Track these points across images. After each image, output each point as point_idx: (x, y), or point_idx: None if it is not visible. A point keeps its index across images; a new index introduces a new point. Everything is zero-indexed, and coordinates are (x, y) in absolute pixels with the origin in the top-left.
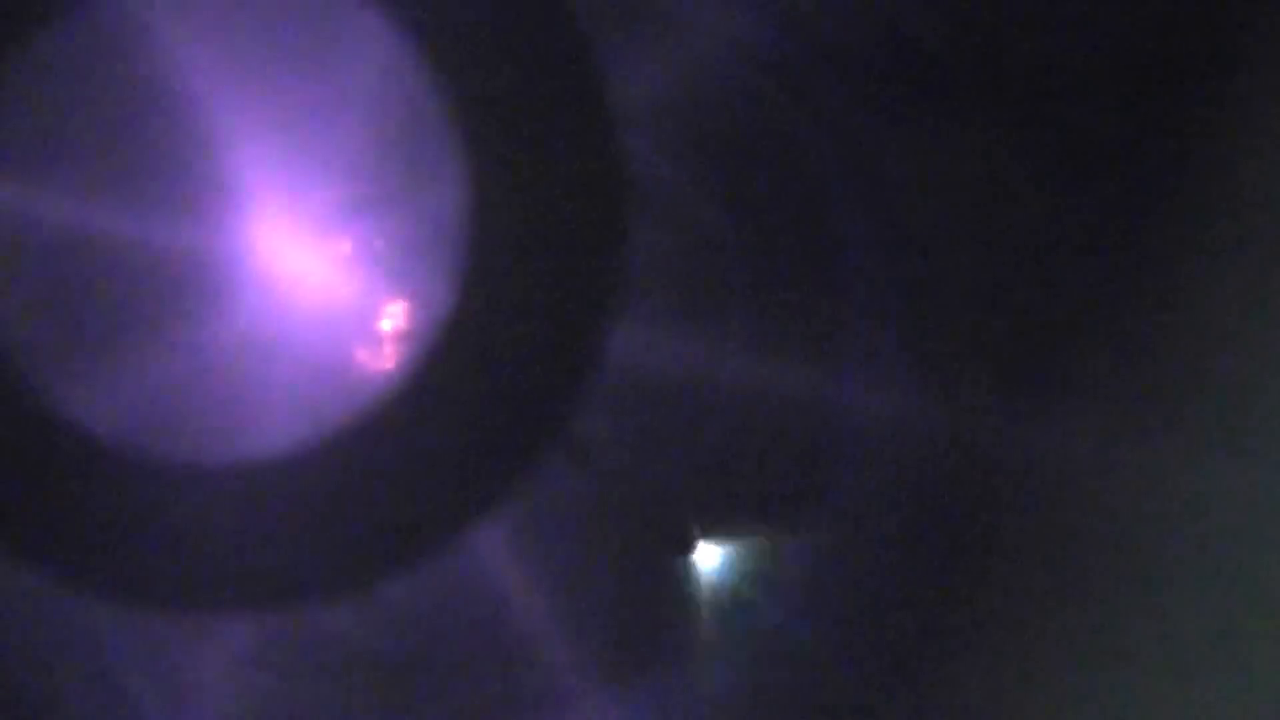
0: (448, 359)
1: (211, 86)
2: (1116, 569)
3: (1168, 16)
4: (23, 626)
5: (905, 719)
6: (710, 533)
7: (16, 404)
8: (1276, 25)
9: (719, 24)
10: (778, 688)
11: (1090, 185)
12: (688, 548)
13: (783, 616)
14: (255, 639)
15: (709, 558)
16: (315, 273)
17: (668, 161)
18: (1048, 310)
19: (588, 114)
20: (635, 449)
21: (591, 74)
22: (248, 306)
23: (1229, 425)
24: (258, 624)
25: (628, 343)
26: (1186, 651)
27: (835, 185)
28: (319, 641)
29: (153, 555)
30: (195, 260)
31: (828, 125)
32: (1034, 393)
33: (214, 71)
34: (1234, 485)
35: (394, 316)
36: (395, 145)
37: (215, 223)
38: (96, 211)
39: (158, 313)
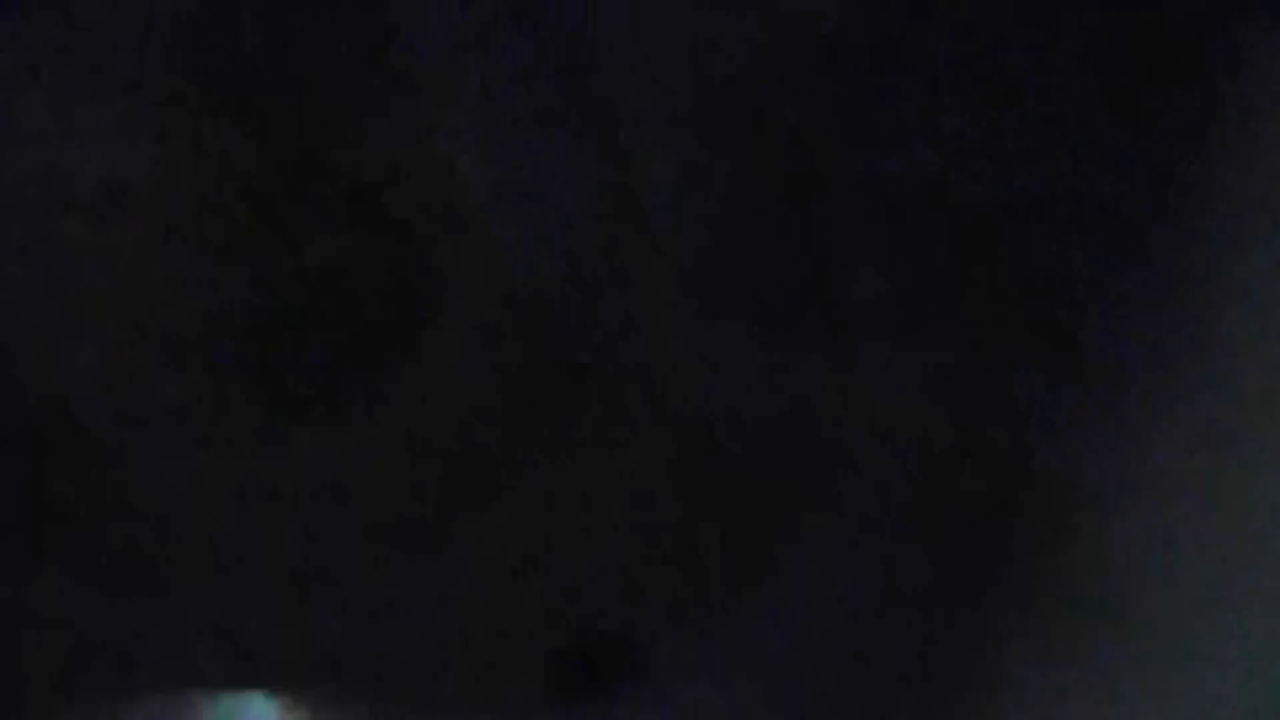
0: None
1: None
2: (1117, 567)
3: (1169, 15)
4: (22, 624)
5: (911, 714)
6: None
7: (16, 400)
8: (1276, 25)
9: (719, 22)
10: (782, 683)
11: (1092, 184)
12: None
13: (784, 615)
14: (254, 632)
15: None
16: None
17: (668, 158)
18: (1051, 308)
19: (588, 111)
20: (635, 445)
21: (593, 72)
22: None
23: (1229, 424)
24: (257, 617)
25: (627, 338)
26: (1187, 650)
27: (836, 183)
28: (320, 637)
29: (154, 550)
30: None
31: (829, 122)
32: (1038, 389)
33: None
34: (1240, 484)
35: None
36: None
37: None
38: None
39: None
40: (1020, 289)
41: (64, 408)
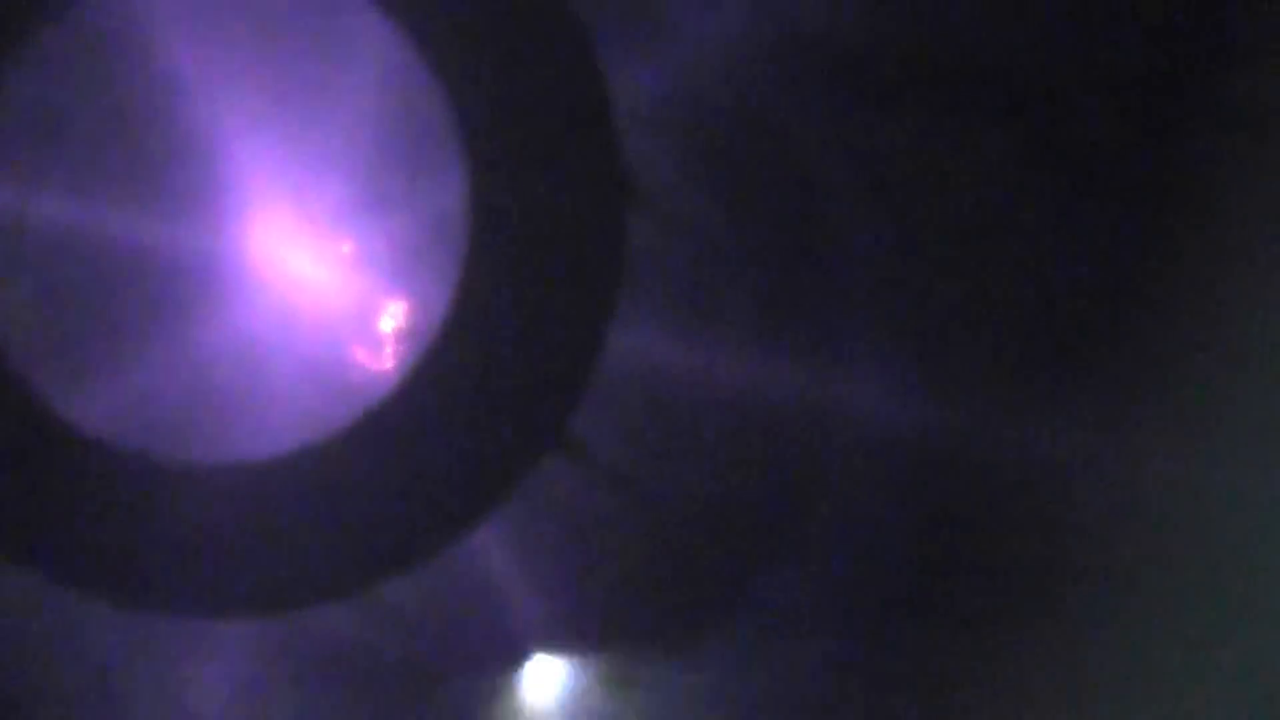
0: (447, 359)
1: (213, 89)
2: (1115, 567)
3: (1168, 17)
4: (23, 627)
5: (906, 717)
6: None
7: (17, 404)
8: (1277, 25)
9: (719, 24)
10: (780, 686)
11: (1092, 186)
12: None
13: (783, 613)
14: (255, 638)
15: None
16: (316, 273)
17: (667, 161)
18: (1048, 310)
19: (588, 114)
20: (634, 448)
21: (591, 74)
22: (248, 307)
23: (1229, 425)
24: (257, 623)
25: (627, 343)
26: (1186, 649)
27: (836, 186)
28: (318, 640)
29: (152, 554)
30: (196, 261)
31: (828, 126)
32: (1034, 392)
33: (215, 74)
34: (1234, 485)
35: (394, 316)
36: (395, 146)
37: (216, 224)
38: (97, 212)
39: (159, 313)
40: (1020, 291)
41: None
